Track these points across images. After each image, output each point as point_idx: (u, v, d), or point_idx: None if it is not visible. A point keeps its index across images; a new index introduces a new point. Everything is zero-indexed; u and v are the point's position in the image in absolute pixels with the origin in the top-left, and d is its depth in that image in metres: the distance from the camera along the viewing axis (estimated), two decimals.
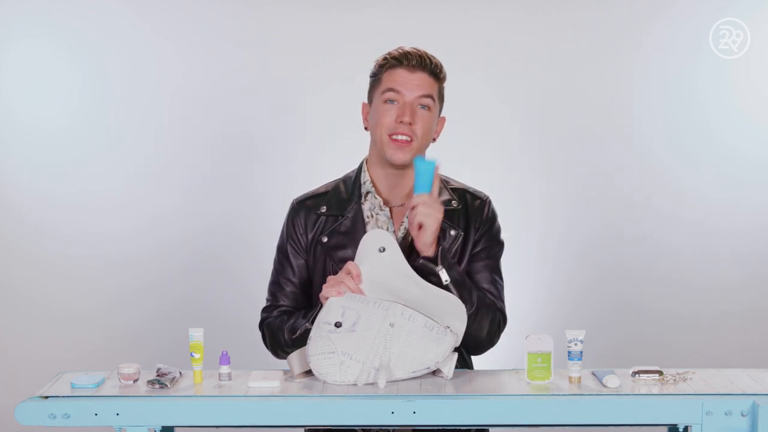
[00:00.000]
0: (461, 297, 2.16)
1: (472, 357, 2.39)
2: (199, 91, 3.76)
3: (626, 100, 3.79)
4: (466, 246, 2.32)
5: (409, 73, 2.27)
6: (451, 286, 2.16)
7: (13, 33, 3.73)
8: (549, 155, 3.83)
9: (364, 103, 2.38)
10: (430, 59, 2.28)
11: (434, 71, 2.29)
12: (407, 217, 2.25)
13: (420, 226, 2.15)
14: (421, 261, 2.16)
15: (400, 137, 2.25)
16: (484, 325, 2.25)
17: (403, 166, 2.29)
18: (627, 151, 3.80)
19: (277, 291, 2.36)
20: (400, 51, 2.29)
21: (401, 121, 2.24)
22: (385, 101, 2.27)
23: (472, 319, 2.18)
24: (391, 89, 2.27)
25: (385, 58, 2.30)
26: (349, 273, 2.14)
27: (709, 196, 3.79)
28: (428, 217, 2.14)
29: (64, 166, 3.77)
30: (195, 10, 3.74)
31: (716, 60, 3.73)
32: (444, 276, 2.15)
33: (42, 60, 3.74)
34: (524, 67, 3.76)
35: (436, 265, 2.16)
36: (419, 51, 2.29)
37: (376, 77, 2.32)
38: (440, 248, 2.17)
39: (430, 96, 2.27)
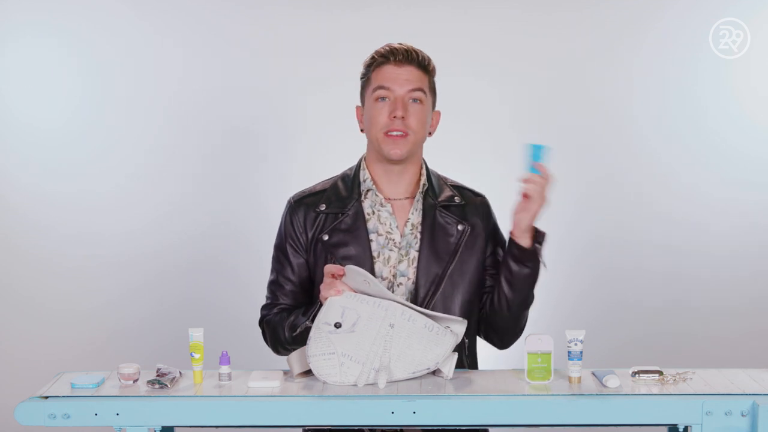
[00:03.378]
0: (531, 289, 2.28)
1: (478, 357, 2.39)
2: (199, 91, 3.77)
3: (626, 100, 3.79)
4: (476, 240, 2.33)
5: (397, 68, 2.27)
6: (538, 275, 2.27)
7: (13, 33, 3.73)
8: (549, 155, 3.82)
9: (357, 107, 2.38)
10: (416, 53, 2.29)
11: (422, 64, 2.29)
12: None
13: (525, 197, 2.20)
14: (534, 247, 2.24)
15: (394, 133, 2.26)
16: (525, 318, 2.35)
17: (402, 161, 2.30)
18: (627, 151, 3.80)
19: (276, 290, 2.36)
20: (386, 48, 2.30)
21: (394, 116, 2.25)
22: (377, 99, 2.28)
23: (528, 307, 2.32)
24: (380, 86, 2.27)
25: (372, 57, 2.31)
26: (333, 275, 2.13)
27: (709, 196, 3.79)
28: (535, 192, 2.21)
29: (64, 166, 3.77)
30: (195, 10, 3.74)
31: (716, 60, 3.73)
32: (543, 266, 2.28)
33: (42, 60, 3.74)
34: (524, 67, 3.76)
35: (539, 254, 2.26)
36: (405, 45, 2.30)
37: (365, 77, 2.33)
38: (538, 244, 2.24)
39: (420, 89, 2.28)
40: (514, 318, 2.31)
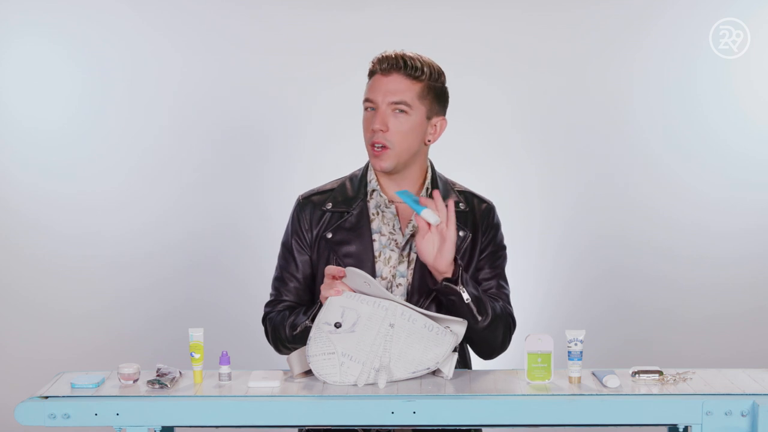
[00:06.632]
0: (479, 310, 2.17)
1: (472, 357, 2.39)
2: (199, 90, 3.77)
3: (626, 100, 3.79)
4: (474, 248, 2.32)
5: (383, 77, 2.24)
6: (472, 304, 2.15)
7: (13, 33, 3.73)
8: (549, 155, 3.83)
9: None
10: (405, 60, 2.23)
11: (410, 72, 2.23)
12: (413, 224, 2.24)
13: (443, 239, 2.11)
14: (443, 284, 2.15)
15: (376, 146, 2.25)
16: (499, 333, 2.25)
17: (389, 173, 2.29)
18: (627, 151, 3.80)
19: (280, 286, 2.36)
20: (380, 55, 2.26)
21: (374, 129, 2.24)
22: (366, 109, 2.28)
23: (488, 328, 2.19)
24: (367, 98, 2.27)
25: (371, 63, 2.29)
26: (333, 276, 2.13)
27: (709, 196, 3.79)
28: (444, 230, 2.10)
29: (64, 166, 3.77)
30: (195, 9, 3.74)
31: (716, 60, 3.73)
32: (465, 295, 2.15)
33: (42, 60, 3.74)
34: (525, 67, 3.76)
35: (457, 285, 2.14)
36: (398, 52, 2.24)
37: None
38: (460, 269, 2.15)
39: (403, 102, 2.23)
40: (484, 340, 2.24)
